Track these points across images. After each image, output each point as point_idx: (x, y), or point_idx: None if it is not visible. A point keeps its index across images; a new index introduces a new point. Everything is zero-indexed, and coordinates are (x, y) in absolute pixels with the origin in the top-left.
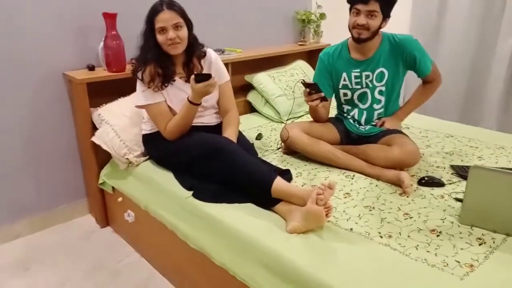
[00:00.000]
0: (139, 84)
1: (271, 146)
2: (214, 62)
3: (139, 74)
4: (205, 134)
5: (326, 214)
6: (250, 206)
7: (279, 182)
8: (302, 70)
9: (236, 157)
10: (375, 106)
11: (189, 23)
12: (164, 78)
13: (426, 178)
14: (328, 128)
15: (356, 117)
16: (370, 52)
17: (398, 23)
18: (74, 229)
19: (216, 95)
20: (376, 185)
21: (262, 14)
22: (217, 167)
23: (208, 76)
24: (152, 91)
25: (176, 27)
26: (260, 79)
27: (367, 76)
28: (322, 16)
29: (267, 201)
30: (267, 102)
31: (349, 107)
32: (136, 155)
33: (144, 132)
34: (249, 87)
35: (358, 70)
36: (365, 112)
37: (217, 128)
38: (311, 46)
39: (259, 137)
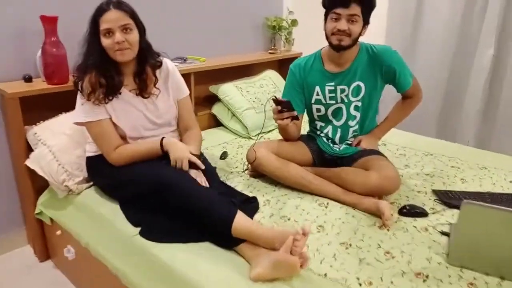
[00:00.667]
0: (78, 97)
1: (236, 167)
2: (172, 74)
3: (79, 84)
4: (157, 163)
5: (301, 265)
6: (207, 246)
7: (241, 221)
8: (272, 81)
9: (189, 192)
10: (350, 122)
11: (140, 25)
12: (108, 90)
13: (407, 207)
14: (299, 147)
15: (329, 134)
16: (346, 63)
17: (373, 34)
18: (9, 263)
19: (173, 111)
20: (353, 216)
21: (229, 20)
22: (168, 202)
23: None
24: (92, 105)
25: (125, 29)
26: (226, 90)
27: (342, 90)
28: (294, 23)
29: (228, 240)
30: (233, 116)
31: (323, 124)
32: (77, 181)
33: (88, 154)
34: (213, 99)
35: (333, 84)
36: (339, 130)
37: None
38: (282, 54)
39: (223, 156)
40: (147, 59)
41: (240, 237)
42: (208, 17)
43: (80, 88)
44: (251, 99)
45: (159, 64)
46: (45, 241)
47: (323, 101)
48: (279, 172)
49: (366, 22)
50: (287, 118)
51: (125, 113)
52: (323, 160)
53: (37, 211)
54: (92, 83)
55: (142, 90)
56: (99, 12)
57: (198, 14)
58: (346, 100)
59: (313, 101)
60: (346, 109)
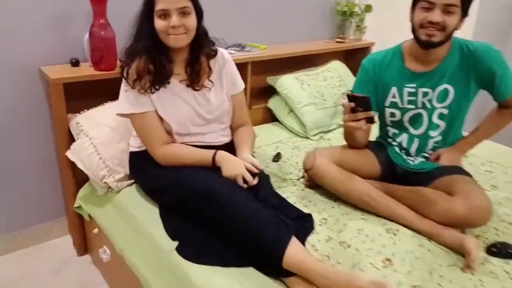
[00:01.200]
0: (123, 84)
1: (290, 173)
2: (228, 66)
3: (125, 70)
4: (207, 171)
5: None
6: (250, 273)
7: (295, 251)
8: (338, 74)
9: (239, 207)
10: (432, 133)
11: (199, 9)
12: (156, 78)
13: (498, 246)
14: (366, 157)
15: (404, 144)
16: (433, 62)
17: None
18: (48, 252)
19: (226, 106)
20: (428, 250)
21: (294, 3)
22: (213, 216)
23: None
24: (137, 94)
25: (183, 12)
26: (285, 82)
27: (425, 94)
28: (368, 8)
29: (277, 271)
30: (291, 111)
31: (396, 131)
32: (118, 178)
33: (131, 149)
34: (271, 91)
35: (414, 85)
36: (417, 140)
37: (226, 149)
38: (351, 44)
39: (277, 158)
40: (202, 47)
41: (292, 271)
42: (270, 0)
43: (125, 74)
44: (312, 93)
45: (214, 54)
46: (85, 234)
47: (400, 105)
48: (341, 187)
49: (465, 13)
50: (361, 119)
51: (172, 105)
52: (394, 174)
53: (76, 205)
54: (140, 70)
55: (194, 81)
56: None
57: None
58: (428, 106)
59: (387, 103)
60: (428, 117)
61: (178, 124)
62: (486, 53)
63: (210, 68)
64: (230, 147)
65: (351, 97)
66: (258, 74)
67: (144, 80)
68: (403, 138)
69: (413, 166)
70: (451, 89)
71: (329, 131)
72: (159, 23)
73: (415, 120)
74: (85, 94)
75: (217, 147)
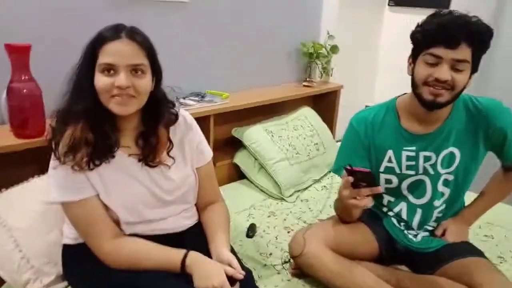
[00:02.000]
0: (52, 159)
1: (270, 254)
2: (192, 132)
3: (56, 138)
4: (174, 277)
5: None
6: None
7: None
8: (309, 122)
9: None
10: (436, 202)
11: (157, 69)
12: (96, 150)
13: None
14: (363, 234)
15: (404, 215)
16: (436, 122)
17: None
18: None
19: (191, 182)
20: None
21: (256, 45)
22: None
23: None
24: (71, 174)
25: (135, 70)
26: (254, 135)
27: (427, 159)
28: (334, 49)
29: None
30: (261, 168)
31: (392, 199)
32: (47, 282)
33: (66, 241)
34: (236, 144)
35: (413, 148)
36: (419, 211)
37: (188, 235)
38: (319, 88)
39: (251, 231)
40: (160, 115)
41: None
42: (230, 42)
43: (54, 145)
44: (284, 146)
45: (175, 120)
46: None
47: (397, 171)
48: (339, 281)
49: (474, 69)
50: (366, 196)
51: (119, 186)
52: (394, 252)
53: None
54: (75, 139)
55: (148, 157)
56: (102, 38)
57: (218, 39)
58: (432, 172)
59: (382, 169)
60: (432, 184)
61: (127, 210)
62: (496, 112)
63: (171, 142)
64: (197, 232)
65: (350, 171)
66: (221, 125)
67: (80, 153)
68: (402, 207)
69: (417, 244)
70: (457, 152)
71: (305, 188)
72: (100, 80)
73: (416, 188)
74: (4, 165)
75: (179, 234)
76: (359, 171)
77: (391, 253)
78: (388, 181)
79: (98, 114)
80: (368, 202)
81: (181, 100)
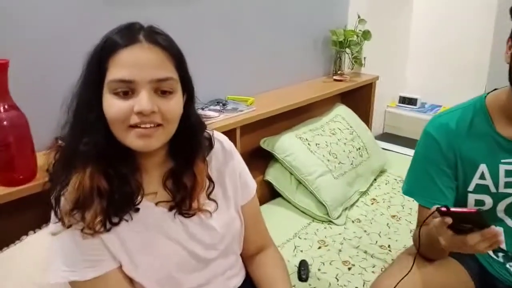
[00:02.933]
0: (51, 222)
1: None
2: (233, 162)
3: (58, 193)
4: None
5: None
6: None
7: None
8: (347, 122)
9: None
10: None
11: (188, 82)
12: (114, 206)
13: None
14: (456, 274)
15: (502, 244)
16: None
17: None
18: None
19: (237, 227)
20: None
21: (279, 37)
22: None
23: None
24: (80, 241)
25: (161, 88)
26: (287, 146)
27: None
28: (366, 35)
29: None
30: (300, 184)
31: None
32: None
33: None
34: (265, 156)
35: None
36: None
37: None
38: (354, 82)
39: (303, 271)
40: (196, 145)
41: None
42: (249, 37)
43: (53, 201)
44: (324, 156)
45: (209, 148)
46: None
47: (493, 189)
48: None
49: None
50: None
51: (147, 250)
52: None
53: None
54: (85, 190)
55: (183, 204)
56: (112, 45)
57: (236, 35)
58: None
59: (471, 188)
60: None
61: (160, 281)
62: None
63: (210, 179)
64: None
65: (446, 213)
66: (247, 135)
67: (91, 210)
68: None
69: None
70: None
71: (352, 205)
72: (113, 105)
73: None
74: None
75: None
76: (460, 213)
77: None
78: (479, 203)
79: (111, 152)
80: (485, 248)
81: (200, 111)
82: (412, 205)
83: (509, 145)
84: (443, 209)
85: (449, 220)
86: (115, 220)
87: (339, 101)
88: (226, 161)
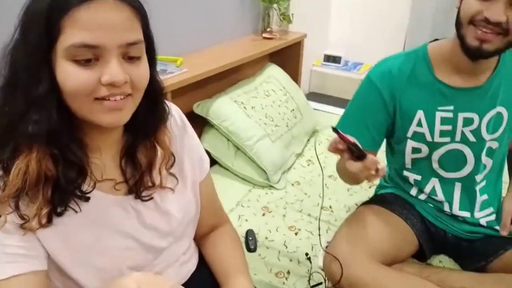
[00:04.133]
0: None
1: (288, 272)
2: (187, 133)
3: None
4: None
5: None
6: None
7: None
8: (280, 83)
9: None
10: (478, 177)
11: (152, 45)
12: (60, 195)
13: None
14: (403, 233)
15: (439, 194)
16: (481, 75)
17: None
18: None
19: (193, 210)
20: None
21: None
22: None
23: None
24: (9, 229)
25: (129, 57)
26: (223, 110)
27: (467, 122)
28: None
29: None
30: (238, 150)
31: (418, 177)
32: None
33: None
34: (198, 121)
35: (451, 108)
36: (458, 185)
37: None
38: (284, 41)
39: (252, 243)
40: (159, 113)
41: None
42: None
43: None
44: (261, 119)
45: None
46: None
47: (428, 138)
48: None
49: None
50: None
51: (94, 247)
52: (441, 245)
53: None
54: (32, 178)
55: (141, 183)
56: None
57: None
58: (473, 139)
59: (409, 134)
60: (475, 155)
61: (104, 280)
62: None
63: (172, 155)
64: (202, 278)
65: (337, 134)
66: (178, 98)
67: (36, 202)
68: (435, 184)
69: (467, 229)
70: (505, 113)
71: (290, 168)
72: (74, 76)
73: (450, 160)
74: None
75: None
76: (344, 138)
77: (435, 247)
78: (416, 150)
79: (62, 131)
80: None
81: None
82: None
83: (448, 92)
84: (334, 128)
85: (337, 142)
86: (60, 210)
87: (267, 60)
88: (181, 136)
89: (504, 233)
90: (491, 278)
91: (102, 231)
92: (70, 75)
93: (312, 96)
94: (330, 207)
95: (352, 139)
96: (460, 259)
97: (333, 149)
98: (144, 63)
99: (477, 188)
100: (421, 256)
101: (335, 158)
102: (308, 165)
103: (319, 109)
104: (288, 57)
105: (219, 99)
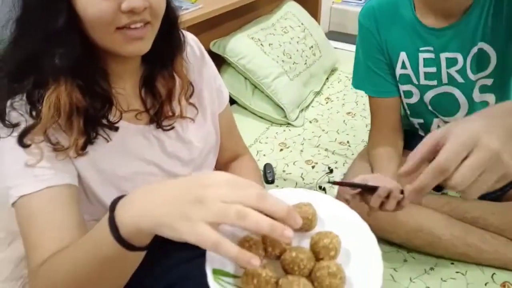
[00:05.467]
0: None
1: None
2: (206, 63)
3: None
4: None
5: None
6: None
7: None
8: (298, 19)
9: None
10: None
11: None
12: (91, 125)
13: None
14: None
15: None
16: (457, 12)
17: None
18: None
19: (212, 141)
20: None
21: None
22: None
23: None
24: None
25: None
26: (240, 48)
27: (451, 62)
28: None
29: None
30: (256, 88)
31: (421, 120)
32: None
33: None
34: (215, 60)
35: (431, 49)
36: None
37: None
38: None
39: (270, 175)
40: (176, 42)
41: None
42: None
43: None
44: (279, 57)
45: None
46: None
47: (414, 80)
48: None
49: None
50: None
51: (121, 173)
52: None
53: None
54: (66, 110)
55: (162, 114)
56: None
57: None
58: (461, 80)
59: (397, 78)
60: (466, 96)
61: None
62: None
63: (190, 83)
64: None
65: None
66: None
67: (73, 133)
68: (439, 124)
69: None
70: (490, 49)
71: (308, 105)
72: (93, 5)
73: (443, 104)
74: None
75: None
76: (348, 184)
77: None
78: (407, 94)
79: (86, 62)
80: (392, 207)
81: None
82: (365, 100)
83: (426, 32)
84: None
85: (350, 192)
86: (93, 139)
87: None
88: (199, 66)
89: None
90: (503, 208)
91: (127, 158)
92: (89, 4)
93: (332, 34)
94: (348, 142)
95: (350, 181)
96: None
97: (345, 201)
98: None
99: None
100: (436, 187)
101: (353, 95)
102: (327, 103)
103: (337, 47)
104: None
105: (235, 37)
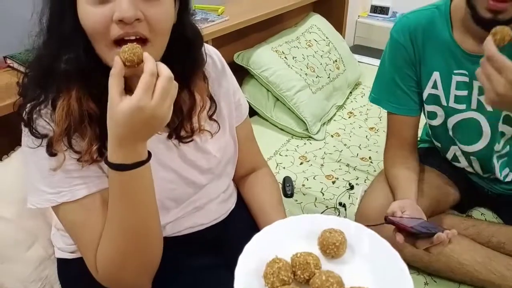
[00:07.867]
0: (25, 143)
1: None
2: (226, 76)
3: (26, 109)
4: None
5: None
6: None
7: None
8: (322, 33)
9: None
10: (497, 146)
11: None
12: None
13: None
14: (435, 182)
15: (462, 163)
16: None
17: None
18: None
19: (231, 151)
20: None
21: None
22: None
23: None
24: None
25: None
26: (263, 60)
27: (483, 91)
28: None
29: None
30: (278, 101)
31: (438, 144)
32: None
33: (60, 255)
34: (239, 72)
35: (466, 72)
36: (474, 159)
37: (231, 223)
38: None
39: (289, 189)
40: (194, 62)
41: None
42: None
43: (32, 127)
44: (302, 70)
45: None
46: None
47: (443, 102)
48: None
49: None
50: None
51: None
52: (482, 197)
53: None
54: (76, 116)
55: (181, 128)
56: None
57: None
58: (489, 108)
59: (424, 97)
60: (490, 125)
61: None
62: None
63: (212, 99)
64: (240, 216)
65: (390, 222)
66: (219, 48)
67: (86, 138)
68: (456, 152)
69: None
70: None
71: (330, 119)
72: (89, 15)
73: (464, 130)
74: None
75: (219, 225)
76: (404, 228)
77: (471, 196)
78: (431, 115)
79: (95, 70)
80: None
81: None
82: None
83: (463, 56)
84: (389, 219)
85: (400, 238)
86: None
87: (311, 10)
88: (219, 79)
89: None
90: None
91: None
92: (87, 14)
93: (357, 48)
94: (370, 158)
95: (413, 226)
96: (502, 213)
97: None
98: (166, 4)
99: (495, 156)
100: (461, 207)
101: (377, 111)
102: (349, 117)
103: (362, 61)
104: (332, 8)
105: (259, 49)
